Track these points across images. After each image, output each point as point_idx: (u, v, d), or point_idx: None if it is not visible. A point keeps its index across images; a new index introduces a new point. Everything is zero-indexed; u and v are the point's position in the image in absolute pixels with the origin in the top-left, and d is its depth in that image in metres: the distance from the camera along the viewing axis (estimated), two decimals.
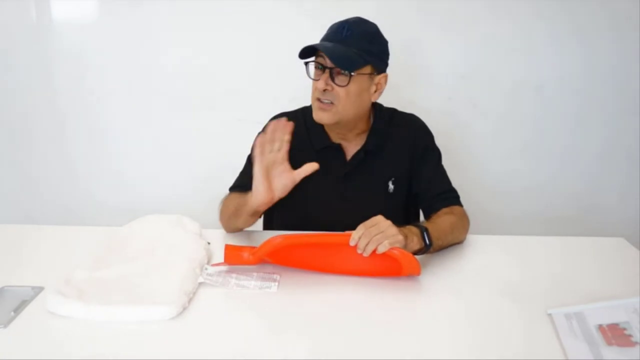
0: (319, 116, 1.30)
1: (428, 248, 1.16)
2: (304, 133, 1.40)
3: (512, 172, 2.09)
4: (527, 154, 2.08)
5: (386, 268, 1.09)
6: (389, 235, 1.06)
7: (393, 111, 1.45)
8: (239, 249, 1.14)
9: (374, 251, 1.06)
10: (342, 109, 1.29)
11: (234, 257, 1.12)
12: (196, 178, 2.10)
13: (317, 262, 1.13)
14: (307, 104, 1.46)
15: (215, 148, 2.05)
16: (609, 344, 0.86)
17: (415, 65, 1.93)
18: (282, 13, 1.92)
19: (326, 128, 1.39)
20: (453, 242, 1.27)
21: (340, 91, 1.26)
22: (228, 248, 1.13)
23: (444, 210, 1.34)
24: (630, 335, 0.87)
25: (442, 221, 1.27)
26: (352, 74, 1.25)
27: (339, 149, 1.39)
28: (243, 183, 1.41)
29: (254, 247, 1.13)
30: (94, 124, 2.10)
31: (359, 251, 1.06)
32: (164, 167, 2.12)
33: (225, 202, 1.38)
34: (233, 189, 1.44)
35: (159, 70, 2.02)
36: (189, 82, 2.02)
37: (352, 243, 1.06)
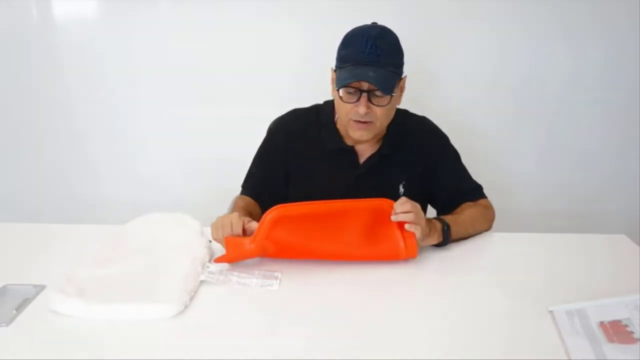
0: (358, 135, 1.29)
1: (443, 245, 1.23)
2: (316, 134, 1.39)
3: (512, 170, 2.09)
4: (528, 152, 2.07)
5: (385, 252, 1.14)
6: (422, 225, 1.15)
7: (405, 113, 1.44)
8: (240, 239, 1.14)
9: (376, 233, 1.13)
10: (379, 124, 1.29)
11: (235, 248, 1.13)
12: (198, 176, 2.10)
13: (316, 246, 1.14)
14: (310, 102, 1.46)
15: (217, 147, 2.05)
16: (611, 340, 0.86)
17: (421, 65, 1.93)
18: (285, 12, 1.92)
19: (341, 130, 1.37)
20: (474, 234, 1.32)
21: (378, 110, 1.26)
22: (229, 240, 1.13)
23: (468, 203, 1.38)
24: (632, 332, 0.87)
25: (464, 215, 1.32)
26: (393, 94, 1.26)
27: (352, 152, 1.38)
28: (250, 185, 1.43)
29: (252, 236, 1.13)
30: (96, 123, 2.10)
31: (397, 211, 1.14)
32: (166, 165, 2.12)
33: (231, 208, 1.38)
34: (243, 190, 1.45)
35: (161, 69, 2.02)
36: (192, 80, 2.02)
37: (396, 205, 1.14)
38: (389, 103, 1.26)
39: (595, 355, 0.83)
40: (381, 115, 1.27)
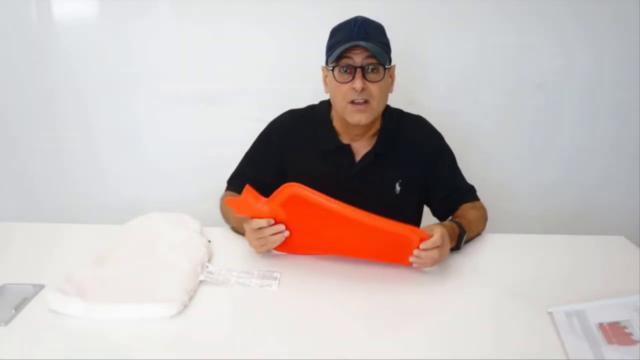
0: (357, 118, 1.29)
1: (454, 250, 1.22)
2: (312, 133, 1.40)
3: (512, 170, 2.09)
4: (527, 153, 2.07)
5: (392, 255, 1.12)
6: (441, 260, 1.13)
7: (400, 112, 1.45)
8: (258, 196, 1.14)
9: (385, 237, 1.09)
10: (376, 105, 1.29)
11: (252, 196, 1.13)
12: (198, 176, 2.09)
13: (326, 238, 1.13)
14: (308, 102, 1.47)
15: (217, 146, 2.05)
16: (610, 342, 0.86)
17: (417, 63, 1.93)
18: (284, 13, 1.92)
19: (338, 128, 1.38)
20: (475, 237, 1.33)
21: (374, 88, 1.27)
22: (249, 189, 1.14)
23: (468, 205, 1.39)
24: (630, 334, 0.87)
25: (472, 220, 1.32)
26: (387, 67, 1.27)
27: (348, 150, 1.38)
28: (240, 182, 1.40)
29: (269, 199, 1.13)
30: (96, 123, 2.09)
31: (421, 255, 1.08)
32: (166, 165, 2.12)
33: (225, 208, 1.37)
34: (229, 186, 1.45)
35: (161, 69, 2.01)
36: (192, 80, 2.01)
37: (422, 248, 1.08)
38: (382, 78, 1.27)
39: (594, 356, 0.83)
40: (377, 93, 1.27)
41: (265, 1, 1.90)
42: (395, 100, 1.43)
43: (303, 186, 1.09)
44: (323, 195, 1.09)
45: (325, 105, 1.41)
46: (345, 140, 1.38)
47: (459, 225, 1.24)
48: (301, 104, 1.46)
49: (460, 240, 1.23)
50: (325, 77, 1.35)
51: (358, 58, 1.25)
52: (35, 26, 1.98)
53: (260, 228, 1.15)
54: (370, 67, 1.25)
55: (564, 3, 1.89)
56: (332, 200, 1.08)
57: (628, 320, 0.90)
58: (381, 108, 1.32)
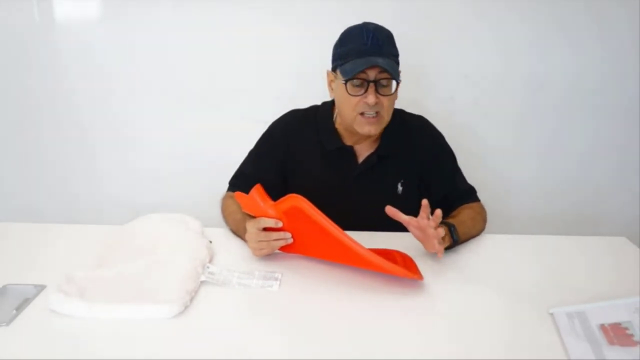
0: (367, 129, 1.29)
1: (456, 243, 1.23)
2: (315, 134, 1.40)
3: (512, 171, 2.09)
4: (528, 154, 2.07)
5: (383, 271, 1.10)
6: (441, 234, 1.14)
7: (401, 112, 1.45)
8: (265, 198, 1.15)
9: (375, 269, 1.08)
10: (387, 117, 1.31)
11: (256, 199, 1.14)
12: (199, 177, 2.10)
13: (321, 250, 1.13)
14: (309, 103, 1.47)
15: (218, 147, 2.05)
16: (611, 343, 0.86)
17: (418, 64, 1.93)
18: (285, 12, 1.92)
19: (341, 130, 1.38)
20: (475, 234, 1.32)
21: (385, 101, 1.27)
22: (259, 188, 1.15)
23: (465, 206, 1.39)
24: (632, 335, 0.87)
25: (463, 216, 1.32)
26: (400, 80, 1.27)
27: (350, 152, 1.39)
28: (242, 182, 1.42)
29: (276, 203, 1.13)
30: (97, 123, 2.09)
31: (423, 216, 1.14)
32: (167, 165, 2.12)
33: (225, 209, 1.36)
34: (231, 187, 1.44)
35: (161, 69, 2.01)
36: (193, 81, 2.01)
37: (429, 220, 1.13)
38: (394, 92, 1.28)
39: (596, 357, 0.83)
40: (387, 106, 1.28)
41: (264, 2, 1.91)
42: (397, 101, 1.43)
43: (307, 201, 1.09)
44: (324, 216, 1.08)
45: (328, 107, 1.41)
46: (347, 142, 1.38)
47: (445, 223, 1.22)
48: (302, 105, 1.47)
49: (453, 234, 1.21)
50: (330, 81, 1.35)
51: (372, 72, 1.25)
52: (37, 27, 1.98)
53: (266, 230, 1.14)
54: (380, 83, 1.26)
55: (573, 4, 1.88)
56: (332, 223, 1.08)
57: (629, 321, 0.90)
58: (388, 119, 1.33)
